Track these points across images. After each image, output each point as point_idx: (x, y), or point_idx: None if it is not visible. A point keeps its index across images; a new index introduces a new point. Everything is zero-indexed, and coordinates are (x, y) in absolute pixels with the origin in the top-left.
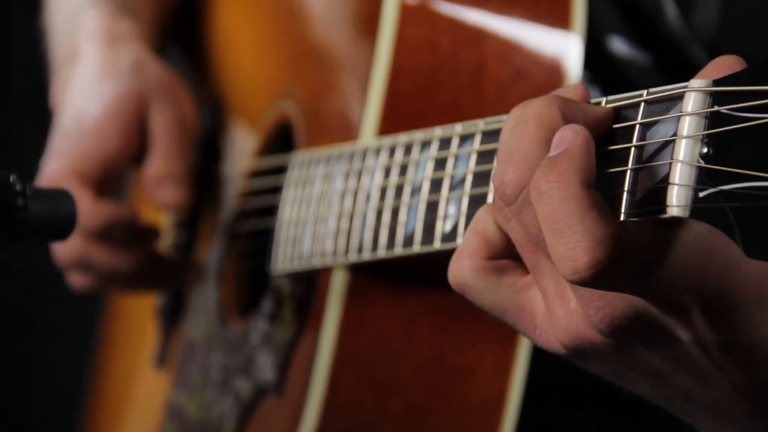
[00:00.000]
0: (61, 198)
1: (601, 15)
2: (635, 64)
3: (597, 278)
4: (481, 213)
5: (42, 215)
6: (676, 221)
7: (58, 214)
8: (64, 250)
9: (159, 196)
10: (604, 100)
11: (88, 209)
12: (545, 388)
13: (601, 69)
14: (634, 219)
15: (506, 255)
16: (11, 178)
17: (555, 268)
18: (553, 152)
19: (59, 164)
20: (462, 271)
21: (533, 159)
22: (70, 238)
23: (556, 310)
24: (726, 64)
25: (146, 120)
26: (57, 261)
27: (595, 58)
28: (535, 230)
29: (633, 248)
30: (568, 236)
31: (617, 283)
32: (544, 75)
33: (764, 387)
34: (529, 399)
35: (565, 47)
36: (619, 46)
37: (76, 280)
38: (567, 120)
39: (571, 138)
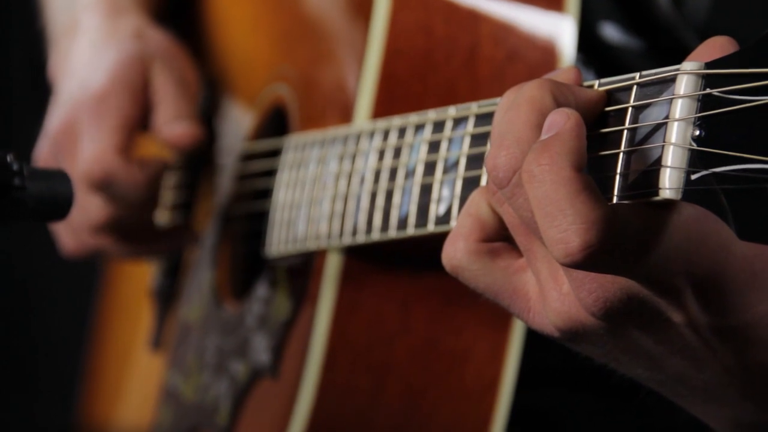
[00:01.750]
0: (58, 178)
1: (593, 2)
2: (628, 50)
3: (589, 260)
4: (475, 195)
5: (39, 195)
6: (667, 204)
7: (56, 194)
8: (95, 210)
9: (172, 133)
10: (597, 83)
11: (141, 181)
12: (539, 371)
13: (593, 55)
14: (626, 202)
15: (500, 237)
16: (8, 158)
17: (548, 251)
18: (544, 136)
19: (94, 144)
20: (456, 254)
21: (525, 142)
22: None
23: (550, 292)
24: (717, 45)
25: (149, 82)
26: (89, 220)
27: (588, 44)
28: (527, 214)
29: (625, 231)
30: (560, 219)
31: (610, 265)
32: (538, 57)
33: (755, 368)
34: (523, 382)
35: (558, 29)
36: (611, 32)
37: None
38: (559, 103)
39: (562, 122)
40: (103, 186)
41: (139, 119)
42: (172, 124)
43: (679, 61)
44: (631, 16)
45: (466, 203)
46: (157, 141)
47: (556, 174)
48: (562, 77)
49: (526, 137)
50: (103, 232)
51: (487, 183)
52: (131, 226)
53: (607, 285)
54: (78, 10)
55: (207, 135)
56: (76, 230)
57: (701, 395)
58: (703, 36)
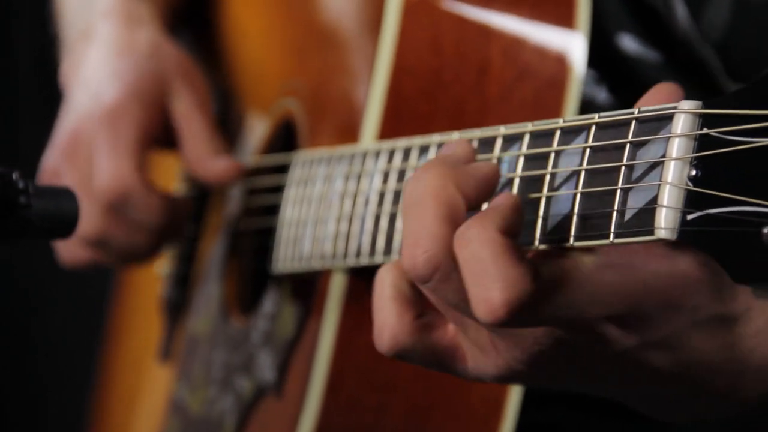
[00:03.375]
0: (63, 196)
1: (611, 13)
2: (644, 62)
3: (511, 317)
4: (389, 277)
5: (44, 213)
6: (577, 256)
7: (61, 212)
8: (86, 227)
9: (211, 171)
10: (596, 115)
11: (158, 207)
12: (545, 390)
13: (610, 67)
14: (545, 260)
15: (424, 308)
16: (14, 176)
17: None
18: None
19: (115, 162)
20: (398, 340)
21: (440, 237)
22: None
23: (489, 353)
24: (665, 92)
25: (168, 104)
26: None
27: (604, 55)
28: (455, 301)
29: (545, 287)
30: (484, 278)
31: (533, 320)
32: (548, 75)
33: (695, 366)
34: (529, 401)
35: (569, 46)
36: (628, 43)
37: (89, 256)
38: (461, 189)
39: (501, 199)
40: (120, 204)
41: (152, 136)
42: (207, 163)
43: (695, 74)
44: (649, 29)
45: (378, 289)
46: (196, 175)
47: (481, 235)
48: (458, 152)
49: (438, 233)
50: (92, 246)
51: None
52: (125, 245)
53: (542, 340)
54: (94, 16)
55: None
56: (67, 242)
57: (655, 402)
58: (721, 51)
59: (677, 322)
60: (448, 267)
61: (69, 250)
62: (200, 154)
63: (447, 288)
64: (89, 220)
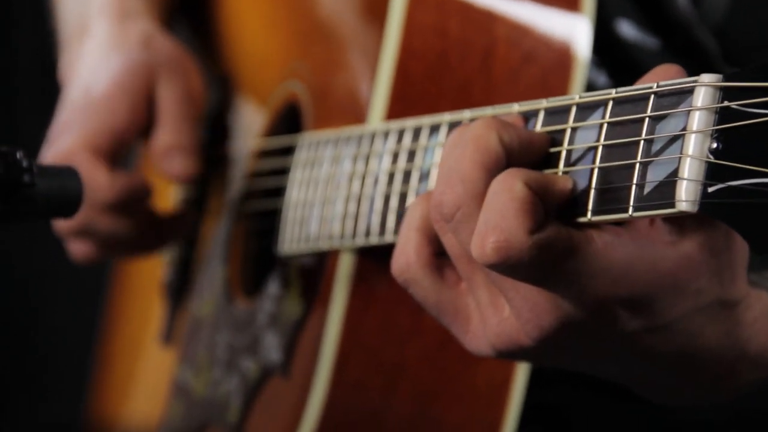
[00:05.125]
0: (67, 175)
1: None
2: (643, 48)
3: (500, 263)
4: (419, 209)
5: (48, 192)
6: (588, 234)
7: (65, 192)
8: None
9: (167, 166)
10: (613, 91)
11: (104, 182)
12: (550, 369)
13: (608, 53)
14: (559, 228)
15: (444, 252)
16: (18, 155)
17: (488, 279)
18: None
19: (71, 138)
20: (410, 267)
21: (470, 181)
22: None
23: (490, 318)
24: (671, 73)
25: (154, 93)
26: (57, 230)
27: (603, 41)
28: (470, 245)
29: (553, 251)
30: (490, 217)
31: (532, 276)
32: (553, 58)
33: (696, 352)
34: (535, 381)
35: (573, 30)
36: (627, 29)
37: (77, 248)
38: (503, 143)
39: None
40: None
41: (137, 128)
42: (171, 156)
43: (694, 60)
44: (648, 14)
45: (409, 217)
46: (153, 166)
47: (506, 180)
48: (509, 118)
49: (470, 176)
50: (78, 237)
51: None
52: (104, 232)
53: (543, 314)
54: (89, 12)
55: (209, 139)
56: (65, 236)
57: (655, 389)
58: (720, 35)
59: (682, 306)
60: (469, 209)
61: (76, 248)
62: (164, 146)
63: (465, 230)
64: None
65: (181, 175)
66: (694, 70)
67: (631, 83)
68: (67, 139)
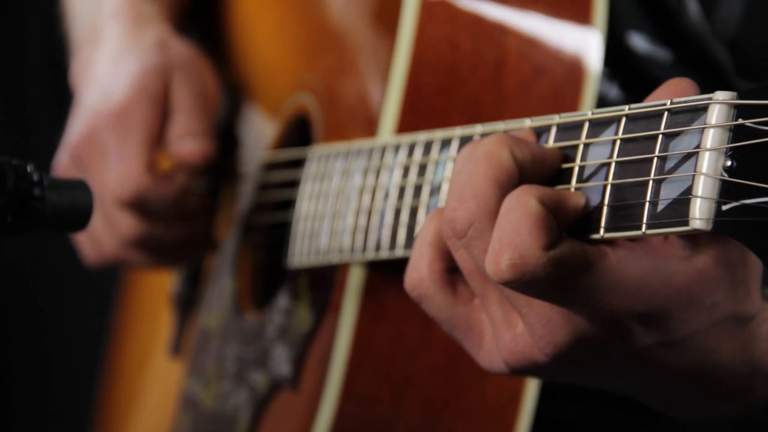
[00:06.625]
0: (78, 188)
1: (622, 10)
2: (655, 60)
3: (515, 280)
4: (433, 223)
5: (59, 206)
6: (603, 249)
7: (75, 205)
8: (124, 230)
9: (181, 148)
10: (627, 107)
11: (169, 194)
12: (561, 383)
13: (620, 65)
14: (573, 244)
15: (457, 268)
16: (28, 168)
17: (502, 295)
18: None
19: (125, 165)
20: (423, 282)
21: (482, 197)
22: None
23: (503, 334)
24: (681, 88)
25: (170, 92)
26: (120, 236)
27: (615, 54)
28: (482, 262)
29: (567, 267)
30: (504, 234)
31: (547, 293)
32: (565, 71)
33: (710, 368)
34: (545, 394)
35: (585, 43)
36: (638, 42)
37: (135, 259)
38: (516, 158)
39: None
40: (134, 205)
41: (161, 131)
42: (183, 139)
43: (706, 73)
44: (659, 26)
45: (422, 232)
46: (167, 154)
47: (520, 197)
48: (521, 133)
49: (482, 192)
50: (134, 247)
51: (443, 228)
52: (161, 240)
53: (558, 329)
54: (101, 17)
55: (220, 150)
56: (101, 243)
57: (674, 404)
58: (732, 47)
59: (696, 322)
60: (482, 225)
61: (94, 251)
62: (177, 132)
63: (477, 246)
64: (127, 223)
65: (195, 155)
66: (706, 83)
67: (642, 96)
68: (119, 165)
